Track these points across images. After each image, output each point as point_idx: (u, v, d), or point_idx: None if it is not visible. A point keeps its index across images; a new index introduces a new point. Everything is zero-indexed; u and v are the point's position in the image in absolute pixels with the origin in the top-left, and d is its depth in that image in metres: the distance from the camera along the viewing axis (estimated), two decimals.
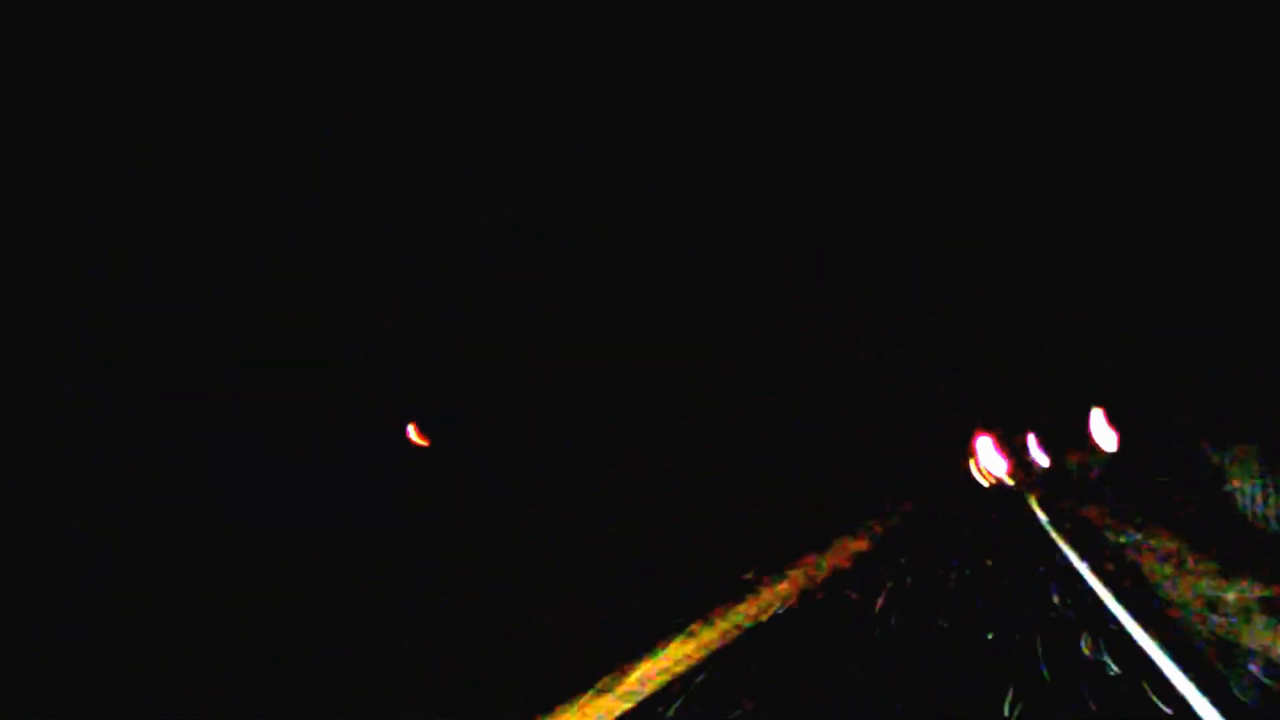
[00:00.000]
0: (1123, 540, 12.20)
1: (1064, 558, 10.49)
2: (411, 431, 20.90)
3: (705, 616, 9.14)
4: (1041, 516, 17.10)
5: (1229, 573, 8.62)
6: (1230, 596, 7.31)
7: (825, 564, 13.28)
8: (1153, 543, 12.08)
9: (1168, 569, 9.56)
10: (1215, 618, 6.61)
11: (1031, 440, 51.64)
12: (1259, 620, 6.28)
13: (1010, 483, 52.33)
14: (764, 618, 7.40)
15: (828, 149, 33.47)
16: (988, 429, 56.59)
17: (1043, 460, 51.12)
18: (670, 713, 4.61)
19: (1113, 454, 26.16)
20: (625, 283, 27.05)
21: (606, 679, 5.14)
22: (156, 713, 4.28)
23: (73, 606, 6.42)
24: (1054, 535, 13.20)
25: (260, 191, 18.10)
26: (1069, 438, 50.86)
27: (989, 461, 54.72)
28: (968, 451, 57.25)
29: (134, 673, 4.86)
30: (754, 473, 30.30)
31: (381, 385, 20.91)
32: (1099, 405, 23.46)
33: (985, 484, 51.23)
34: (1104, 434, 23.88)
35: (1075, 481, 38.85)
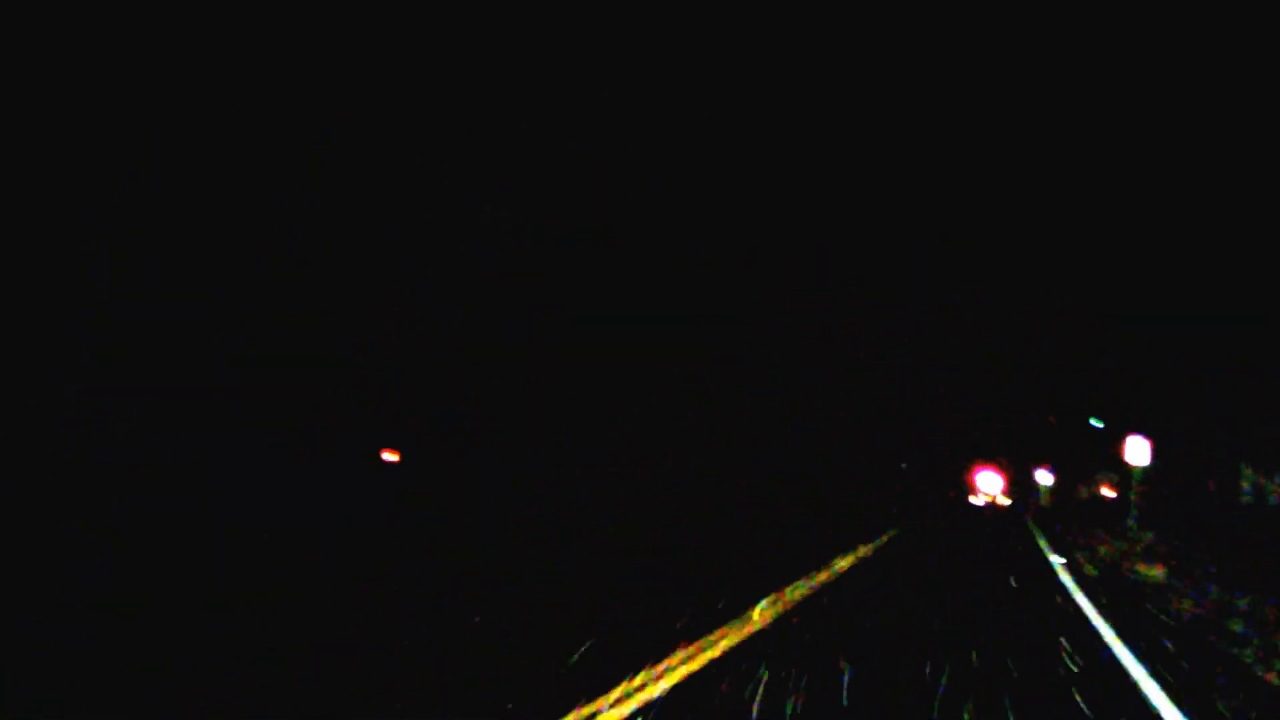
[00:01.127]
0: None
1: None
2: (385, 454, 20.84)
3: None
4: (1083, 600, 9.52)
5: None
6: None
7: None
8: None
9: None
10: None
11: (1042, 472, 47.60)
12: None
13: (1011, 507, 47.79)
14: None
15: (828, 149, 33.46)
16: (989, 458, 52.08)
17: (1049, 485, 47.07)
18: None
19: (1149, 481, 21.43)
20: (625, 283, 27.05)
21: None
22: (157, 713, 4.27)
23: (73, 606, 6.40)
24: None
25: (260, 191, 18.10)
26: (1091, 464, 46.92)
27: (989, 490, 50.38)
28: (966, 481, 52.26)
29: (134, 673, 4.85)
30: (758, 476, 30.29)
31: (381, 385, 20.91)
32: (1135, 430, 18.65)
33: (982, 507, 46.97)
34: (1139, 458, 18.61)
35: (1106, 514, 32.07)
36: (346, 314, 20.26)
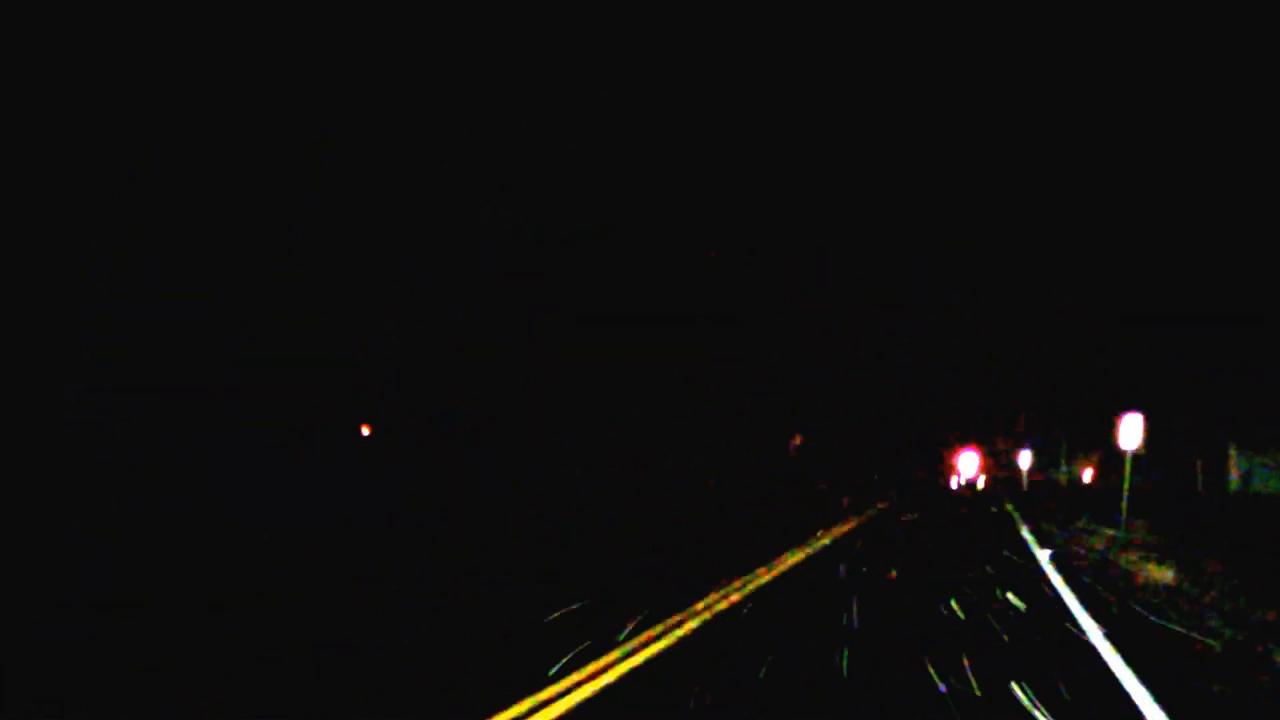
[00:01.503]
0: None
1: None
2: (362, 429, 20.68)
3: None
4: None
5: None
6: None
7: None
8: None
9: None
10: None
11: (1022, 454, 46.27)
12: None
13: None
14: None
15: (828, 149, 33.46)
16: (968, 440, 51.07)
17: (1028, 468, 45.80)
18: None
19: (1138, 466, 18.61)
20: (625, 283, 27.06)
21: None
22: (157, 713, 4.27)
23: (73, 606, 6.41)
24: None
25: (260, 191, 18.10)
26: (1071, 447, 46.03)
27: (968, 472, 48.70)
28: (946, 466, 50.88)
29: (134, 673, 4.85)
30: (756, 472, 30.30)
31: (381, 385, 20.91)
32: (1127, 410, 15.96)
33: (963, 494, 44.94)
34: (1131, 441, 15.53)
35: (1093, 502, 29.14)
36: (346, 314, 20.26)
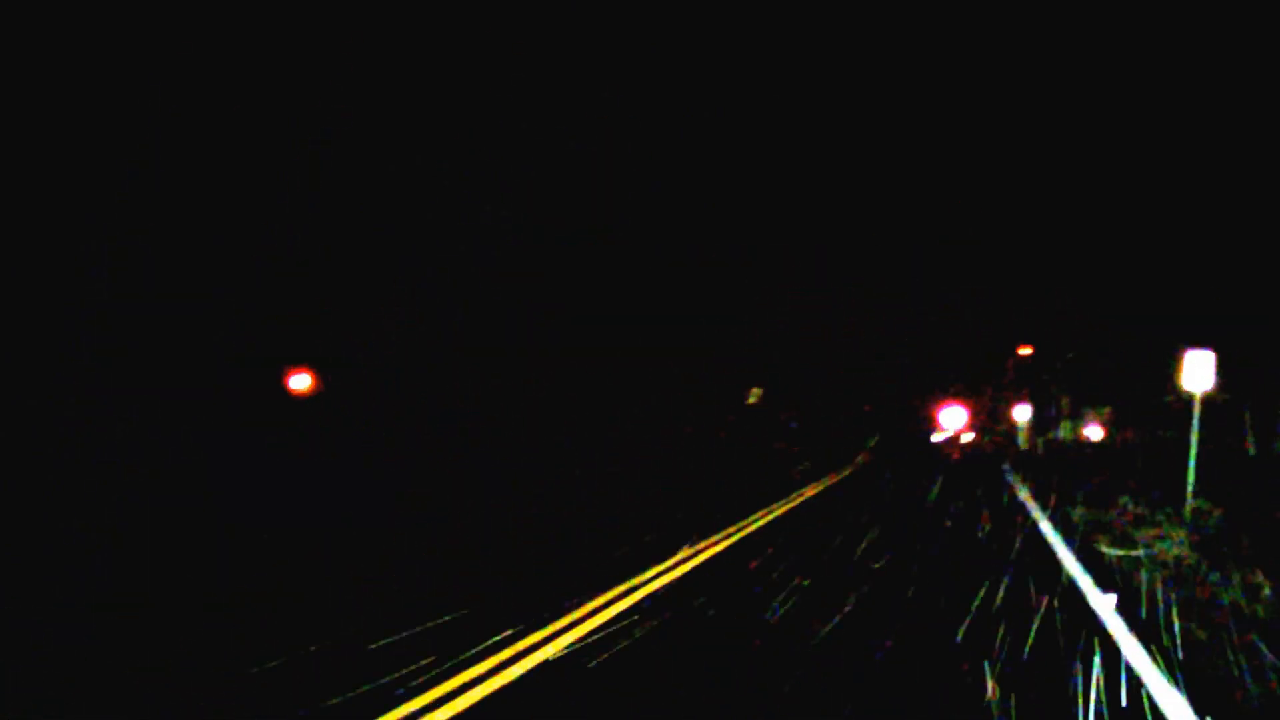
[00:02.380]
0: None
1: None
2: (298, 379, 17.13)
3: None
4: None
5: None
6: None
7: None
8: None
9: None
10: None
11: (1019, 408, 40.49)
12: None
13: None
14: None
15: (828, 149, 33.49)
16: (957, 393, 45.43)
17: (1025, 423, 40.17)
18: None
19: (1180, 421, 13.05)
20: (625, 283, 27.09)
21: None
22: (157, 713, 4.28)
23: (73, 606, 6.42)
24: None
25: (260, 191, 18.12)
26: (1075, 398, 41.34)
27: (955, 426, 42.91)
28: (929, 421, 45.01)
29: (134, 673, 4.86)
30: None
31: (381, 385, 20.92)
32: (1193, 343, 11.48)
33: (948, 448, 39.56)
34: (1199, 380, 11.07)
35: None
36: (346, 314, 20.28)
